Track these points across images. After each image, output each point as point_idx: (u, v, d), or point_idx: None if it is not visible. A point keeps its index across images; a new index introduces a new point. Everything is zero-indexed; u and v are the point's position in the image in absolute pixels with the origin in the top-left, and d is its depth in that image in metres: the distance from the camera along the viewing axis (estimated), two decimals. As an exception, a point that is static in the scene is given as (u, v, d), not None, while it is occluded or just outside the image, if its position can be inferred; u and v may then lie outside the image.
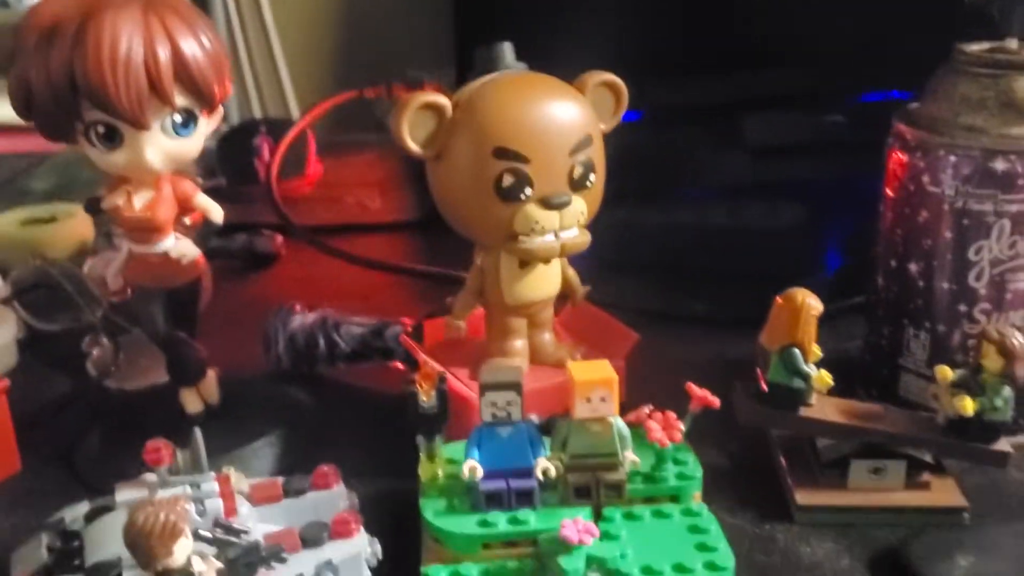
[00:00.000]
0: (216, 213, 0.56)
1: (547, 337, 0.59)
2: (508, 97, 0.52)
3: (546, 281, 0.56)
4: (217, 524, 0.41)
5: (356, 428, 0.63)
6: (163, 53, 0.49)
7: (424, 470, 0.50)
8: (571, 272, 0.58)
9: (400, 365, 0.67)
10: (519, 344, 0.58)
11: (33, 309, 0.75)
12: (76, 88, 0.49)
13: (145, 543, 0.37)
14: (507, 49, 0.55)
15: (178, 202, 0.55)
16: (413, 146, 0.52)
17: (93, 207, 0.55)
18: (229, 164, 1.04)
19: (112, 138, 0.51)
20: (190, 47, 0.50)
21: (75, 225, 0.86)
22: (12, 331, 0.72)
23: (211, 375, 0.60)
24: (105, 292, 0.77)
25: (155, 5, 0.50)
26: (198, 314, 0.59)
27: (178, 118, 0.52)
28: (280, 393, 0.66)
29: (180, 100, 0.51)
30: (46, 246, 0.84)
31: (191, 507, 0.41)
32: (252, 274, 0.88)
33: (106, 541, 0.43)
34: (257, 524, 0.44)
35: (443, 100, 0.52)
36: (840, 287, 0.73)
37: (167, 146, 0.52)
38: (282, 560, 0.41)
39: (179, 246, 0.56)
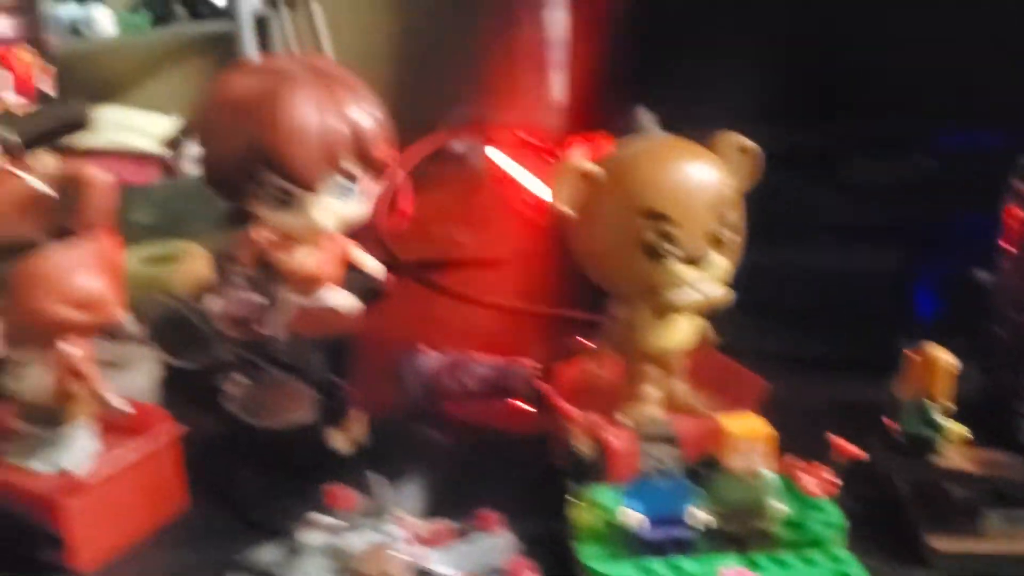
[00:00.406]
0: (373, 267, 0.60)
1: (681, 385, 0.62)
2: (654, 162, 0.55)
3: (682, 332, 0.59)
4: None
5: (490, 468, 0.65)
6: (336, 124, 0.53)
7: (580, 516, 0.53)
8: (704, 322, 0.61)
9: (524, 405, 0.70)
10: (654, 391, 0.61)
11: (167, 347, 0.79)
12: (258, 155, 0.53)
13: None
14: (642, 114, 0.58)
15: (340, 258, 0.59)
16: (564, 208, 0.55)
17: (262, 262, 0.59)
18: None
19: (285, 200, 0.55)
20: (359, 118, 0.54)
21: (194, 264, 0.89)
22: (155, 370, 0.76)
23: (360, 417, 0.64)
24: (230, 331, 0.82)
25: (330, 80, 0.54)
26: (351, 360, 0.63)
27: (346, 182, 0.56)
28: (416, 432, 0.69)
29: (348, 166, 0.55)
30: (169, 285, 0.87)
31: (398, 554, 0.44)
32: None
33: (307, 579, 0.46)
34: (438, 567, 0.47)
35: (595, 168, 0.55)
36: (939, 331, 0.75)
37: (335, 208, 0.56)
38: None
39: (339, 298, 0.59)
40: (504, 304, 0.90)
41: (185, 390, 0.76)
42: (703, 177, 0.55)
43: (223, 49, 2.48)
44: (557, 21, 1.02)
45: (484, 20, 1.28)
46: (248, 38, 2.33)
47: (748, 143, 0.57)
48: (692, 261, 0.55)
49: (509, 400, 0.70)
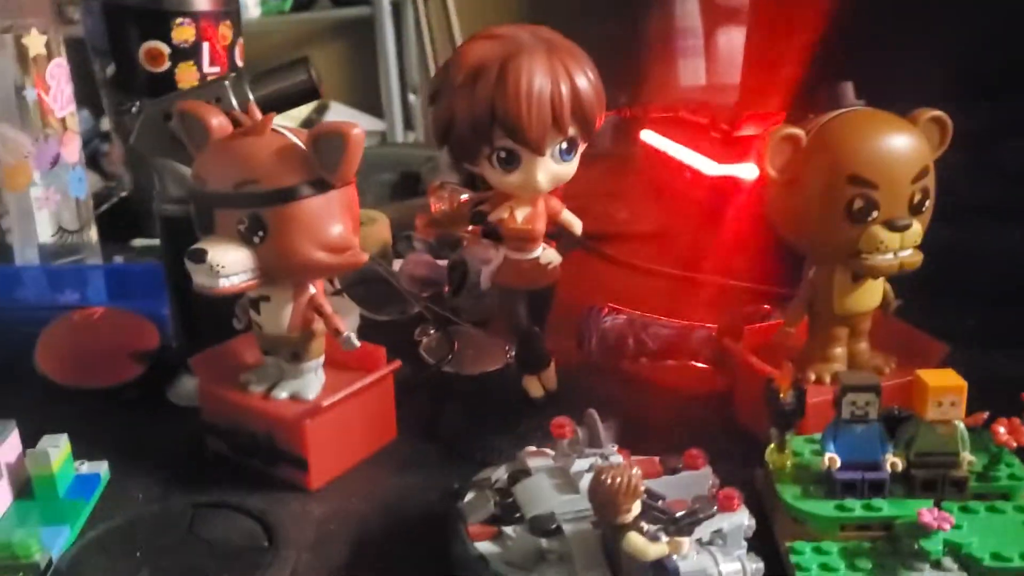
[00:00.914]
0: (577, 227, 0.65)
1: (864, 346, 0.65)
2: (860, 130, 0.58)
3: (872, 294, 0.63)
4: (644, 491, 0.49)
5: (668, 418, 0.70)
6: (564, 90, 0.58)
7: (775, 459, 0.57)
8: (887, 287, 0.64)
9: (703, 365, 0.74)
10: (840, 351, 0.64)
11: (361, 301, 0.86)
12: (494, 119, 0.58)
13: (613, 499, 0.45)
14: (849, 88, 0.61)
15: (549, 216, 0.64)
16: (772, 172, 0.59)
17: (478, 219, 0.65)
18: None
19: (511, 161, 0.60)
20: (583, 85, 0.59)
21: (379, 229, 0.96)
22: (356, 320, 0.83)
23: (552, 365, 0.69)
24: (415, 290, 0.88)
25: (557, 50, 0.59)
26: (549, 312, 0.68)
27: (565, 145, 0.61)
28: (596, 384, 0.74)
29: (570, 130, 0.60)
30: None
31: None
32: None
33: (536, 499, 0.51)
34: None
35: (800, 132, 0.59)
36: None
37: (553, 169, 0.61)
38: (698, 523, 0.49)
39: (547, 254, 0.65)
40: (672, 272, 0.94)
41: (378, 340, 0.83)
42: (906, 146, 0.58)
43: (360, 34, 2.58)
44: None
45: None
46: (386, 23, 2.42)
47: (942, 115, 0.60)
48: (893, 227, 0.58)
49: (688, 361, 0.75)
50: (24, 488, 0.60)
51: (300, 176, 0.58)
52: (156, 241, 1.05)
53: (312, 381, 0.64)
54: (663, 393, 0.74)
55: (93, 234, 0.97)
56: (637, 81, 1.31)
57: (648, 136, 1.19)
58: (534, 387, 0.69)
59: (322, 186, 0.58)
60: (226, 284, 0.58)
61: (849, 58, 0.76)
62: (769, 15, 0.90)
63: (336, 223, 0.59)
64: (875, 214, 0.58)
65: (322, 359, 0.65)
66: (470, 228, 0.80)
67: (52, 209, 0.92)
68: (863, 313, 0.63)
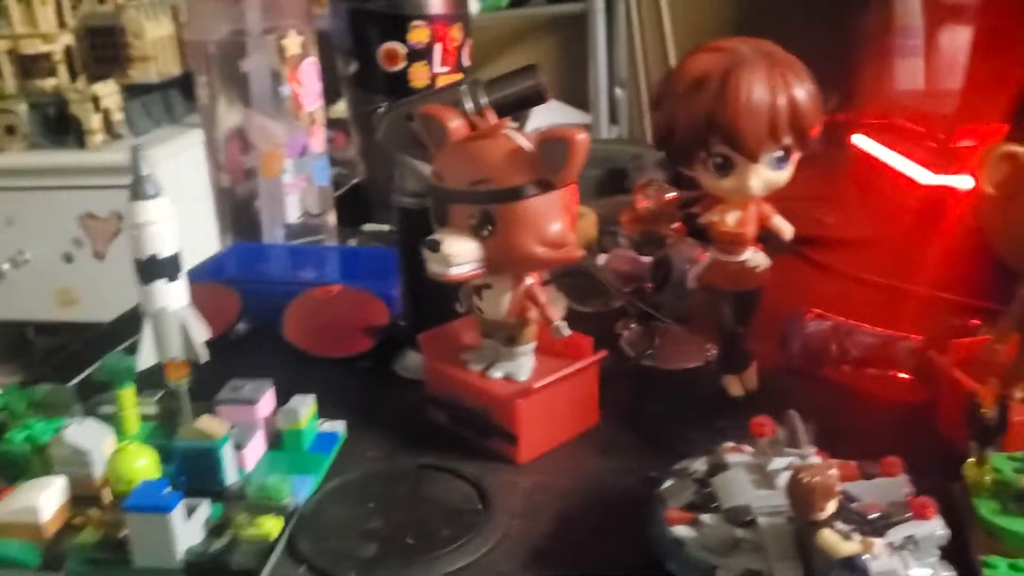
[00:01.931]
0: (788, 232, 0.67)
1: (1077, 369, 0.64)
2: (1085, 151, 0.58)
3: (1089, 318, 0.61)
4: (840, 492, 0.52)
5: (867, 426, 0.70)
6: (782, 102, 0.60)
7: (973, 473, 0.57)
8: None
9: (906, 376, 0.74)
10: (1052, 372, 0.63)
11: (566, 293, 0.91)
12: (712, 126, 0.61)
13: (810, 496, 0.48)
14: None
15: (759, 221, 0.67)
16: (989, 188, 0.59)
17: (689, 221, 0.68)
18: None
19: (726, 167, 0.63)
20: (800, 96, 0.61)
21: (586, 224, 1.01)
22: (562, 310, 0.88)
23: (753, 366, 0.72)
24: (618, 284, 0.92)
25: (777, 62, 0.61)
26: (754, 315, 0.70)
27: (780, 154, 0.63)
28: (796, 388, 0.75)
29: (786, 139, 0.62)
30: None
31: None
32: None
33: (733, 491, 0.54)
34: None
35: (1021, 150, 0.59)
36: None
37: (767, 176, 0.64)
38: (887, 527, 0.51)
39: (756, 257, 0.67)
40: (877, 281, 0.93)
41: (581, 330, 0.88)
42: None
43: (572, 28, 2.65)
44: (945, 2, 1.03)
45: (846, 2, 1.30)
46: (598, 19, 2.47)
47: None
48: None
49: (890, 371, 0.75)
50: (275, 440, 0.69)
51: (527, 177, 0.63)
52: (385, 227, 1.15)
53: (525, 364, 0.70)
54: (863, 401, 0.75)
55: (332, 218, 1.07)
56: (851, 83, 1.30)
57: (860, 141, 1.18)
58: (734, 386, 0.72)
59: (546, 186, 0.63)
60: (456, 272, 0.65)
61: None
62: (996, 22, 0.88)
63: (556, 221, 0.64)
64: (1097, 235, 0.57)
65: (534, 345, 0.70)
66: (675, 226, 0.83)
67: (299, 194, 1.02)
68: (1079, 336, 0.62)
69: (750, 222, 0.66)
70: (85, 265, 2.42)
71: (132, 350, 0.65)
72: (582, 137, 0.62)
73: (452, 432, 0.72)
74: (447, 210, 0.66)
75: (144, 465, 0.58)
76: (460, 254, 0.64)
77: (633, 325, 0.85)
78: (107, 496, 0.59)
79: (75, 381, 0.80)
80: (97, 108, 2.38)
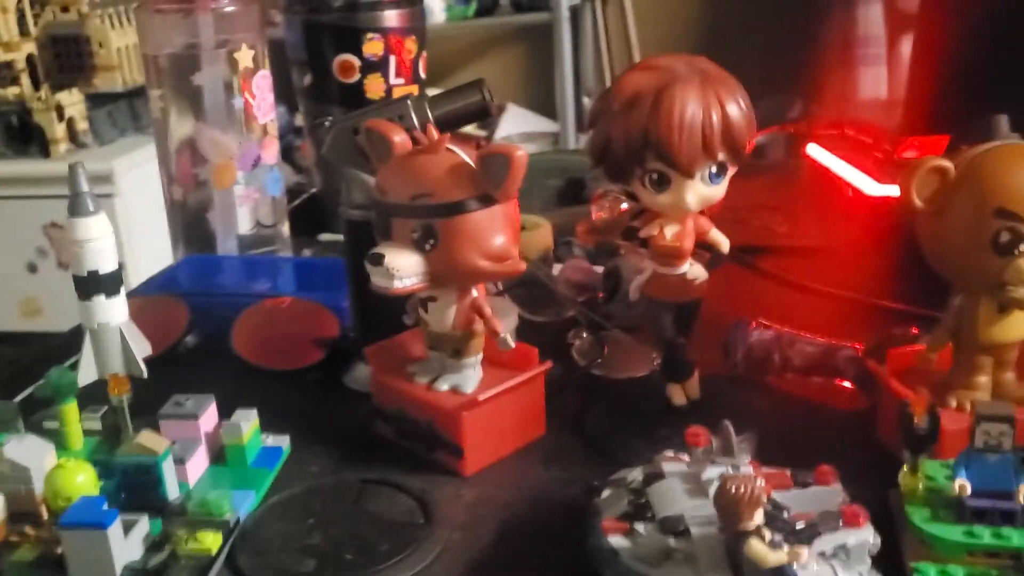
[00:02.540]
0: (725, 246, 0.68)
1: (1010, 376, 0.65)
2: (1010, 164, 0.59)
3: (1018, 326, 0.63)
4: (769, 502, 0.52)
5: (810, 436, 0.71)
6: (715, 119, 0.61)
7: (906, 481, 0.58)
8: (1036, 318, 0.64)
9: (848, 384, 0.75)
10: (983, 380, 0.64)
11: (520, 303, 0.92)
12: (647, 144, 0.62)
13: (735, 507, 0.48)
14: (1004, 121, 0.62)
15: (696, 235, 0.67)
16: (917, 201, 0.60)
17: (630, 234, 0.69)
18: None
19: (662, 183, 0.64)
20: (734, 113, 0.62)
21: (542, 234, 1.02)
22: (515, 319, 0.88)
23: (695, 375, 0.72)
24: (572, 294, 0.93)
25: (710, 79, 0.62)
26: (694, 325, 0.71)
27: (715, 169, 0.64)
28: (740, 397, 0.77)
29: (720, 155, 0.63)
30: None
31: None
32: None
33: (668, 501, 0.55)
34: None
35: (948, 164, 0.60)
36: None
37: (702, 191, 0.64)
38: (815, 536, 0.52)
39: (694, 270, 0.68)
40: (823, 290, 0.95)
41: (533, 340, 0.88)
42: (1056, 181, 0.58)
43: (539, 38, 2.66)
44: (897, 16, 1.04)
45: (805, 13, 1.32)
46: (564, 28, 2.49)
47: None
48: (1040, 261, 0.58)
49: (832, 379, 0.76)
50: (218, 455, 0.69)
51: (468, 191, 0.64)
52: (341, 237, 1.15)
53: (471, 376, 0.71)
54: (806, 409, 0.76)
55: (286, 229, 1.07)
56: (806, 94, 1.31)
57: (814, 151, 1.20)
58: (677, 395, 0.73)
59: (487, 201, 0.64)
60: (399, 285, 0.65)
61: (1016, 90, 0.75)
62: (937, 39, 0.90)
63: (499, 235, 0.65)
64: (1022, 247, 0.58)
65: (480, 356, 0.71)
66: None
67: (251, 205, 1.02)
68: (1009, 344, 0.63)
69: (687, 236, 0.67)
70: (49, 275, 2.40)
71: (76, 366, 0.65)
72: (521, 154, 0.62)
73: (398, 445, 0.72)
74: (390, 224, 0.66)
75: (83, 481, 0.58)
76: (403, 267, 0.65)
77: (584, 335, 0.86)
78: (44, 513, 0.58)
79: (21, 396, 0.80)
80: (61, 117, 2.37)
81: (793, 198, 1.19)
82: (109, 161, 2.33)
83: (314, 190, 1.24)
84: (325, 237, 1.18)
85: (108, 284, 0.62)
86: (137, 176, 2.37)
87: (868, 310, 0.90)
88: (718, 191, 0.65)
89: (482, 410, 0.68)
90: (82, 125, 2.44)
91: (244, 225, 1.03)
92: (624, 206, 0.98)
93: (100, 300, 0.62)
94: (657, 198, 0.65)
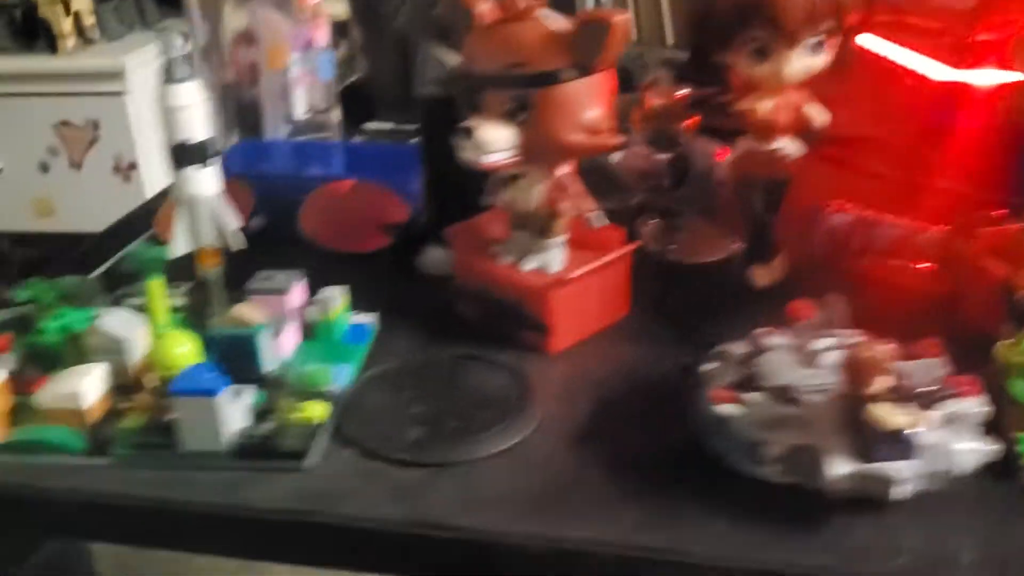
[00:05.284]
0: (819, 120, 0.67)
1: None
2: None
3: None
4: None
5: (889, 316, 0.71)
6: (826, -17, 0.60)
7: (1009, 354, 0.59)
8: None
9: (929, 266, 0.75)
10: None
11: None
12: (754, 8, 0.60)
13: (865, 370, 0.48)
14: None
15: (792, 109, 0.66)
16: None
17: (714, 116, 0.68)
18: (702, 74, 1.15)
19: (763, 53, 0.63)
20: (842, -21, 0.60)
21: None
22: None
23: (780, 256, 0.72)
24: (635, 181, 0.92)
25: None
26: (781, 204, 0.71)
27: (817, 40, 0.62)
28: (820, 280, 0.76)
29: (825, 23, 0.61)
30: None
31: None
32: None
33: (777, 371, 0.55)
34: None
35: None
36: None
37: (803, 62, 0.63)
38: (934, 403, 0.52)
39: (786, 146, 0.67)
40: (899, 175, 0.93)
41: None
42: None
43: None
44: None
45: None
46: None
47: None
48: None
49: (913, 261, 0.76)
50: (307, 331, 0.68)
51: (564, 60, 0.62)
52: (388, 125, 1.13)
53: (556, 255, 0.70)
54: (886, 291, 0.76)
55: (337, 114, 1.05)
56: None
57: (868, 40, 1.17)
58: (761, 276, 0.72)
59: (583, 70, 0.62)
60: (490, 160, 0.64)
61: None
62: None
63: (594, 106, 0.63)
64: None
65: (566, 236, 0.70)
66: (686, 122, 0.82)
67: (305, 88, 1.00)
68: None
69: (784, 109, 0.66)
70: (61, 175, 2.37)
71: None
72: (621, 19, 0.60)
73: (482, 324, 0.72)
74: (479, 96, 0.65)
75: (187, 351, 0.58)
76: (495, 141, 0.63)
77: (653, 220, 0.85)
78: (151, 382, 0.58)
79: (96, 273, 0.79)
80: (68, 11, 2.30)
81: (847, 90, 1.16)
82: (119, 57, 2.27)
83: (354, 78, 1.21)
84: (371, 126, 1.16)
85: (200, 154, 0.60)
86: (146, 74, 2.32)
87: (942, 196, 0.89)
88: (818, 62, 0.64)
89: (570, 289, 0.68)
90: (89, 20, 2.37)
91: (298, 109, 1.01)
92: (680, 92, 0.96)
93: (192, 170, 0.60)
94: (756, 69, 0.64)
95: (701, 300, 0.74)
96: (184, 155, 0.60)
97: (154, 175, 2.27)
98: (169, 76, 0.59)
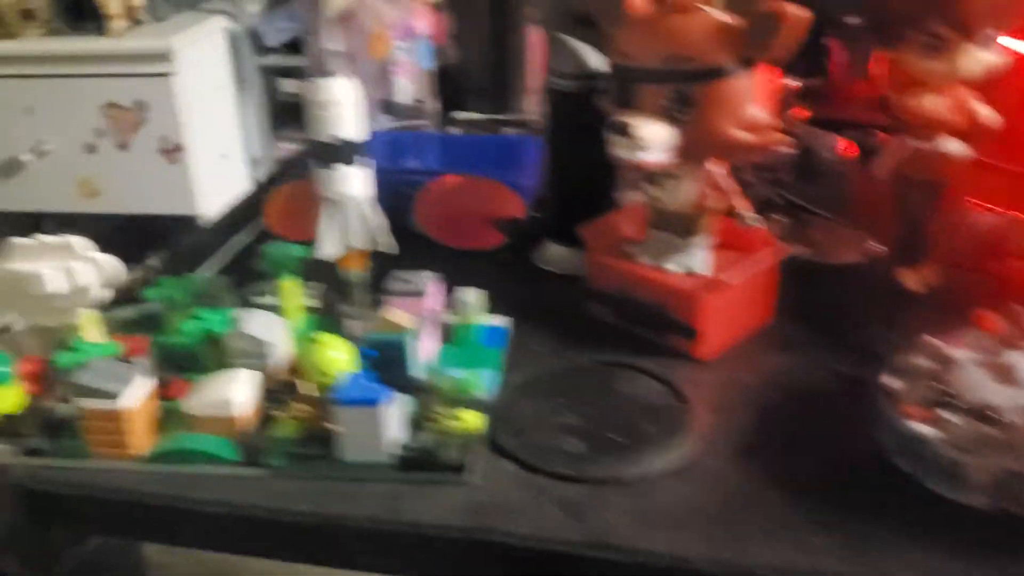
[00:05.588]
0: (990, 118, 0.63)
1: None
2: None
3: None
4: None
5: None
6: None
7: None
8: None
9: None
10: None
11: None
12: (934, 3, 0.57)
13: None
14: None
15: (959, 107, 0.63)
16: None
17: (881, 104, 0.64)
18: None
19: (937, 47, 0.59)
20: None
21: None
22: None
23: (932, 260, 0.69)
24: (751, 175, 0.88)
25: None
26: (935, 208, 0.67)
27: (995, 34, 0.59)
28: (970, 284, 0.73)
29: (1005, 20, 0.58)
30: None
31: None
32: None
33: (974, 388, 0.52)
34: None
35: None
36: None
37: (980, 57, 0.59)
38: None
39: (950, 145, 0.63)
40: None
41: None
42: None
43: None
44: None
45: None
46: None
47: None
48: None
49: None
50: (444, 334, 0.66)
51: (730, 53, 0.59)
52: (476, 114, 1.10)
53: (701, 256, 0.67)
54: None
55: (435, 104, 1.02)
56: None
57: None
58: (912, 280, 0.69)
59: (748, 64, 0.59)
60: (645, 157, 0.61)
61: None
62: None
63: (758, 102, 0.60)
64: None
65: (711, 236, 0.67)
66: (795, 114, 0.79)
67: (405, 77, 0.97)
68: None
69: (952, 107, 0.62)
70: (108, 156, 2.34)
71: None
72: (795, 13, 0.57)
73: (620, 327, 0.69)
74: (634, 91, 0.62)
75: (342, 357, 0.55)
76: (653, 138, 0.60)
77: (777, 217, 0.82)
78: (304, 388, 0.56)
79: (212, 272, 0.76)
80: (117, -8, 2.27)
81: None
82: (167, 38, 2.25)
83: (441, 65, 1.18)
84: (462, 115, 1.12)
85: (348, 152, 0.57)
86: (193, 56, 2.29)
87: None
88: (992, 59, 0.60)
89: (723, 293, 0.64)
90: (137, 1, 2.34)
91: (399, 98, 0.98)
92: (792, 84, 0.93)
93: (339, 168, 0.58)
94: (928, 64, 0.60)
95: (847, 304, 0.71)
96: (329, 152, 0.57)
97: (200, 157, 2.25)
98: (316, 69, 0.56)
